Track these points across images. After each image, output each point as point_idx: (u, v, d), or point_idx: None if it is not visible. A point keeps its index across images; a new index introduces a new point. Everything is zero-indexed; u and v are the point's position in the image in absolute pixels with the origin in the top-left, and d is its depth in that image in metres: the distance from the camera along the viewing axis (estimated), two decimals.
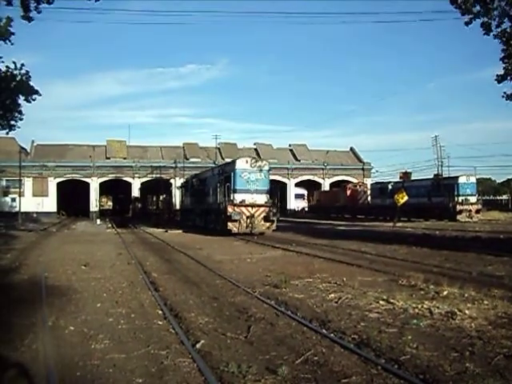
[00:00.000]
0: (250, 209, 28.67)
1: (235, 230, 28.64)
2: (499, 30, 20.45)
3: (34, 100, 29.66)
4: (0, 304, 9.90)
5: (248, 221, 28.53)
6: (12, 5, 19.89)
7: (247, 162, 29.63)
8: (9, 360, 6.24)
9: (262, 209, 29.00)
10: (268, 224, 29.25)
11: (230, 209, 28.45)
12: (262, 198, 29.49)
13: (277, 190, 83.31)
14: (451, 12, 21.06)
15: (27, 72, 28.96)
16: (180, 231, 36.65)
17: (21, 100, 29.78)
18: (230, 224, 28.67)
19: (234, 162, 30.38)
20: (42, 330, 7.81)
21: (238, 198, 28.80)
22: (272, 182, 74.87)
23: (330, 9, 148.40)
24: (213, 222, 32.60)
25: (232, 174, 29.34)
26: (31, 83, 29.25)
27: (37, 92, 29.59)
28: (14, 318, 8.67)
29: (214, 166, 37.14)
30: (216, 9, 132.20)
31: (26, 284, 12.65)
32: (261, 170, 29.65)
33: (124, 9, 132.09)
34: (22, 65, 28.81)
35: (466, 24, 20.64)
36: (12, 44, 26.69)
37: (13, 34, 26.35)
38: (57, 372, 5.84)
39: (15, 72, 28.58)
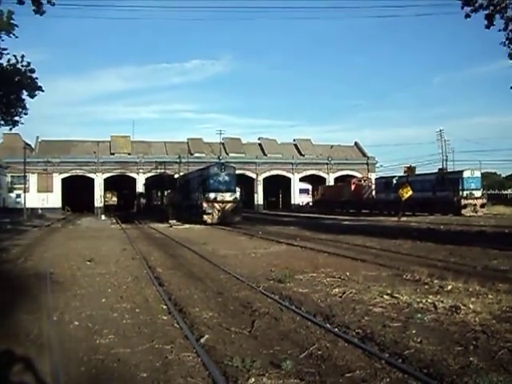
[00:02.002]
0: (220, 204, 35.71)
1: (209, 221, 35.52)
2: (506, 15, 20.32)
3: (36, 95, 29.64)
4: (5, 299, 9.97)
5: (219, 213, 35.48)
6: (23, 3, 19.83)
7: (218, 167, 37.63)
8: (14, 355, 6.27)
9: (229, 204, 36.12)
10: (235, 216, 36.09)
11: (204, 204, 35.73)
12: (230, 196, 36.58)
13: (279, 186, 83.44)
14: (455, 6, 20.95)
15: (29, 64, 28.89)
16: (184, 226, 36.72)
17: (24, 95, 29.78)
18: (205, 216, 35.74)
19: (208, 168, 38.34)
20: (47, 325, 7.84)
21: (211, 196, 35.70)
22: (274, 176, 74.95)
23: (333, 4, 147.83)
24: (194, 215, 38.29)
25: (206, 177, 36.83)
26: (34, 76, 29.19)
27: (40, 88, 29.56)
28: (19, 313, 8.72)
29: (196, 169, 44.67)
30: (220, 4, 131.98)
31: (31, 279, 12.70)
32: (229, 174, 37.18)
33: (128, 5, 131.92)
34: (23, 56, 28.73)
35: (466, 16, 20.61)
36: (16, 37, 26.70)
37: (16, 26, 26.34)
38: (62, 367, 5.87)
39: (18, 65, 28.53)
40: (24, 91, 29.49)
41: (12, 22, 25.96)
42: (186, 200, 42.53)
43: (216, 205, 35.47)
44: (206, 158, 76.59)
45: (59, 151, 73.26)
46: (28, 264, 15.84)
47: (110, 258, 16.94)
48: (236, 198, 37.41)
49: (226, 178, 36.85)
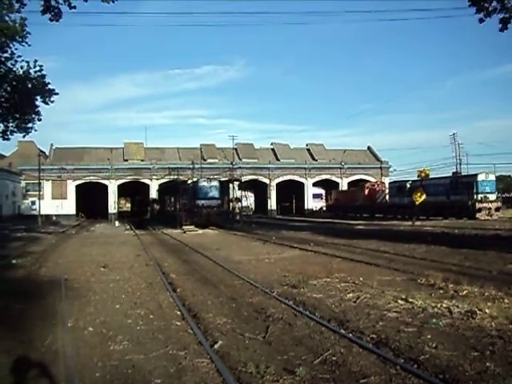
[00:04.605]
0: (207, 209, 43.83)
1: (198, 221, 42.78)
2: None
3: (52, 102, 29.75)
4: (21, 305, 10.04)
5: (206, 216, 42.97)
6: (46, 12, 19.83)
7: (205, 181, 46.72)
8: (30, 361, 6.32)
9: (214, 209, 44.60)
10: (218, 218, 44.47)
11: (195, 209, 44.24)
12: (214, 202, 45.05)
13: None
14: (466, 8, 20.77)
15: (41, 67, 28.98)
16: (198, 232, 36.92)
17: (38, 102, 29.91)
18: (195, 218, 43.50)
19: (197, 181, 47.58)
20: (62, 331, 7.89)
21: (199, 202, 44.24)
22: (288, 181, 75.22)
23: (345, 8, 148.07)
24: (189, 218, 44.86)
25: (196, 188, 45.55)
26: (47, 81, 29.29)
27: (53, 91, 29.63)
28: (34, 320, 8.78)
29: (192, 182, 53.12)
30: (233, 10, 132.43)
31: (46, 285, 12.80)
32: (214, 186, 45.74)
33: (141, 11, 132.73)
34: (36, 61, 28.85)
35: (480, 21, 20.42)
36: (29, 45, 26.87)
37: (29, 33, 26.49)
38: (77, 372, 5.90)
39: (31, 71, 28.65)
40: (38, 97, 29.62)
41: (25, 29, 26.15)
42: (185, 206, 49.72)
43: (203, 210, 43.54)
44: (218, 164, 76.78)
45: (73, 158, 73.75)
46: (43, 270, 15.96)
47: (124, 264, 17.02)
48: (219, 204, 46.46)
49: (212, 189, 45.39)
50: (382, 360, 6.17)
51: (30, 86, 28.83)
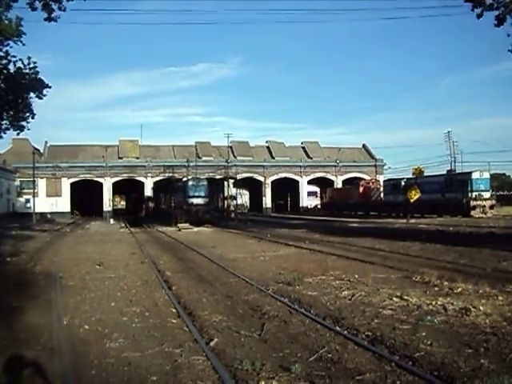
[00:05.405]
0: (196, 206, 45.44)
1: (187, 218, 44.62)
2: None
3: (45, 96, 29.66)
4: (16, 303, 10.02)
5: (195, 213, 44.65)
6: (36, 9, 19.91)
7: (194, 180, 48.94)
8: (25, 359, 6.30)
9: (203, 206, 46.18)
10: (206, 214, 45.99)
11: (185, 206, 46.04)
12: (203, 200, 46.67)
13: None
14: (462, 6, 20.92)
15: (35, 63, 28.87)
16: (193, 230, 36.94)
17: (33, 98, 29.83)
18: (185, 215, 45.28)
19: (187, 180, 49.74)
20: (58, 329, 7.88)
21: (189, 200, 45.80)
22: (283, 179, 75.61)
23: (340, 7, 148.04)
24: (181, 215, 46.90)
25: (187, 187, 47.25)
26: (40, 77, 29.21)
27: (46, 85, 29.55)
28: (29, 317, 8.77)
29: (182, 181, 54.37)
30: (228, 7, 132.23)
31: (41, 283, 12.79)
32: (202, 185, 47.46)
33: (136, 9, 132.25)
34: (29, 58, 28.75)
35: (478, 17, 20.52)
36: (24, 45, 26.83)
37: (24, 34, 26.47)
38: (72, 370, 5.90)
39: (25, 69, 28.57)
40: (32, 93, 29.55)
41: (20, 28, 26.12)
42: (180, 204, 51.28)
43: (193, 207, 45.33)
44: (213, 162, 76.81)
45: (68, 156, 73.43)
46: (38, 268, 15.92)
47: (120, 262, 17.00)
48: (207, 201, 47.79)
49: (200, 188, 47.07)
50: (377, 357, 6.19)
51: (23, 82, 28.77)
